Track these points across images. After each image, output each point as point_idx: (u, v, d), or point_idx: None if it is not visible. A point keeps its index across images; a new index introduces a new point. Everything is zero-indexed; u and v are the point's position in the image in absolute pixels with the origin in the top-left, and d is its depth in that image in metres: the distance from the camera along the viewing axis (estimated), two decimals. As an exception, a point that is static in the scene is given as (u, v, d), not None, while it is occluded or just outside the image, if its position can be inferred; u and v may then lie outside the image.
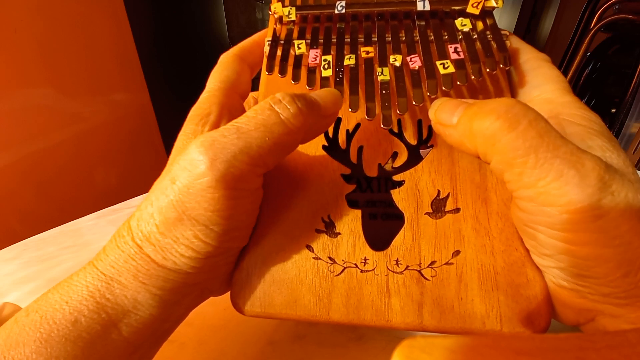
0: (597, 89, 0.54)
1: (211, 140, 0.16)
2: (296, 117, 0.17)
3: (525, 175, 0.15)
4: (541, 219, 0.15)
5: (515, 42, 0.22)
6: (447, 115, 0.17)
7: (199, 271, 0.17)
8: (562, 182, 0.14)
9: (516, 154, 0.15)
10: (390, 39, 0.22)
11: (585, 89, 0.54)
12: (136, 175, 0.96)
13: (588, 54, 0.53)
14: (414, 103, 0.19)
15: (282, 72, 0.21)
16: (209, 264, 0.17)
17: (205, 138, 0.16)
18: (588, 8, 0.53)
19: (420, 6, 0.22)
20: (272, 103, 0.17)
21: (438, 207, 0.19)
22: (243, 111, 0.22)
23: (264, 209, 0.20)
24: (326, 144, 0.21)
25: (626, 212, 0.14)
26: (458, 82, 0.19)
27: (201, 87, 0.22)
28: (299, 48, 0.22)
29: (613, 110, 0.50)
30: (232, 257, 0.19)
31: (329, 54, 0.21)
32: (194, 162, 0.16)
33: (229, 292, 0.20)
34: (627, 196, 0.14)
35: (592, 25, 0.50)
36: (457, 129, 0.17)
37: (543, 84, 0.20)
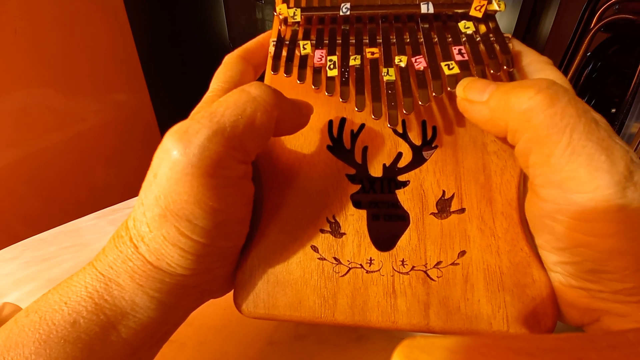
0: (597, 89, 0.54)
1: (185, 127, 0.15)
2: (268, 94, 0.16)
3: (555, 156, 0.14)
4: (564, 208, 0.15)
5: (517, 46, 0.22)
6: (477, 92, 0.17)
7: (194, 273, 0.17)
8: (593, 167, 0.14)
9: (551, 131, 0.14)
10: (394, 40, 0.22)
11: (585, 89, 0.54)
12: (136, 175, 0.95)
13: (588, 54, 0.53)
14: (420, 103, 0.19)
15: (288, 72, 0.21)
16: (204, 265, 0.17)
17: (179, 126, 0.16)
18: (588, 8, 0.53)
19: (424, 9, 0.22)
20: (244, 87, 0.17)
21: (443, 207, 0.19)
22: None
23: (267, 209, 0.20)
24: (331, 144, 0.21)
25: None
26: None
27: (201, 86, 0.22)
28: (304, 48, 0.22)
29: (613, 110, 0.50)
30: (229, 258, 0.19)
31: (334, 54, 0.21)
32: (168, 152, 0.15)
33: (229, 292, 0.20)
34: None
35: (592, 25, 0.50)
36: (489, 104, 0.16)
37: None
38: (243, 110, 0.16)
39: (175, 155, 0.15)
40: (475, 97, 0.17)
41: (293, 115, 0.18)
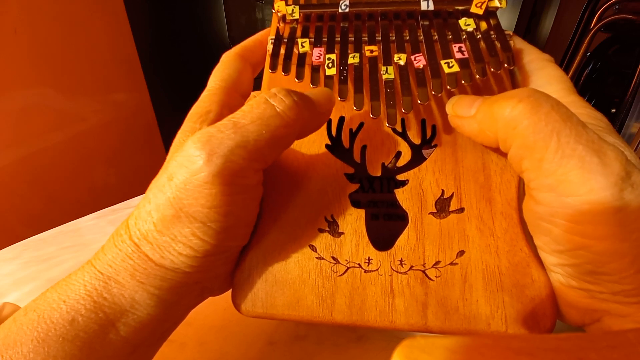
0: (597, 89, 0.54)
1: (208, 135, 0.16)
2: (292, 110, 0.17)
3: (546, 161, 0.14)
4: (559, 211, 0.15)
5: (518, 43, 0.22)
6: (464, 107, 0.18)
7: (198, 270, 0.17)
8: (585, 169, 0.14)
9: (537, 137, 0.14)
10: (394, 38, 0.22)
11: (585, 89, 0.54)
12: (136, 175, 0.95)
13: (588, 54, 0.53)
14: (419, 102, 0.19)
15: (286, 70, 0.21)
16: (208, 263, 0.17)
17: (202, 134, 0.16)
18: (588, 8, 0.53)
19: (424, 6, 0.22)
20: (268, 97, 0.17)
21: (442, 206, 0.19)
22: None
23: (266, 208, 0.20)
24: (329, 143, 0.21)
25: None
26: (463, 81, 0.19)
27: (201, 87, 0.22)
28: (303, 46, 0.22)
29: (613, 110, 0.50)
30: (231, 256, 0.19)
31: (332, 52, 0.21)
32: (191, 158, 0.16)
33: (228, 292, 0.20)
34: None
35: (592, 25, 0.50)
36: (476, 118, 0.17)
37: (547, 84, 0.20)
38: (268, 125, 0.16)
39: (198, 164, 0.15)
40: (464, 112, 0.18)
41: (313, 122, 0.19)
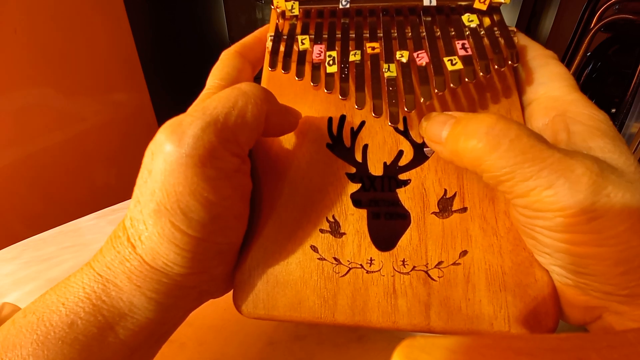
0: (597, 89, 0.54)
1: (178, 121, 0.16)
2: (258, 89, 0.17)
3: (517, 187, 0.15)
4: (538, 222, 0.16)
5: (522, 39, 0.22)
6: (436, 131, 0.18)
7: (191, 272, 0.17)
8: (553, 190, 0.14)
9: (502, 171, 0.15)
10: (396, 34, 0.21)
11: (585, 89, 0.54)
12: (136, 176, 0.95)
13: (588, 54, 0.53)
14: (422, 100, 0.19)
15: (285, 68, 0.21)
16: (200, 263, 0.17)
17: (173, 121, 0.16)
18: (588, 8, 0.53)
19: (426, 1, 0.22)
20: (235, 85, 0.18)
21: (445, 206, 0.19)
22: None
23: (265, 208, 0.20)
24: (330, 142, 0.21)
25: (623, 212, 0.14)
26: (466, 79, 0.19)
27: (201, 86, 0.22)
28: (303, 43, 0.21)
29: (613, 110, 0.49)
30: (226, 256, 0.19)
31: (333, 49, 0.21)
32: (163, 144, 0.16)
33: (229, 292, 0.20)
34: (625, 197, 0.14)
35: (592, 25, 0.50)
36: (446, 147, 0.17)
37: (550, 81, 0.20)
38: (235, 103, 0.17)
39: (170, 147, 0.15)
40: (435, 137, 0.18)
41: (281, 114, 0.19)
